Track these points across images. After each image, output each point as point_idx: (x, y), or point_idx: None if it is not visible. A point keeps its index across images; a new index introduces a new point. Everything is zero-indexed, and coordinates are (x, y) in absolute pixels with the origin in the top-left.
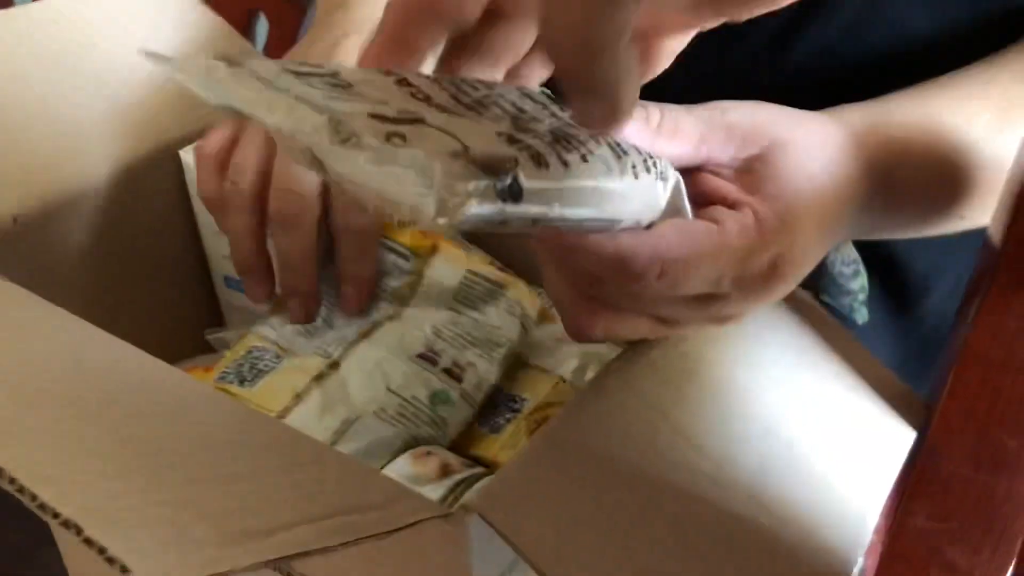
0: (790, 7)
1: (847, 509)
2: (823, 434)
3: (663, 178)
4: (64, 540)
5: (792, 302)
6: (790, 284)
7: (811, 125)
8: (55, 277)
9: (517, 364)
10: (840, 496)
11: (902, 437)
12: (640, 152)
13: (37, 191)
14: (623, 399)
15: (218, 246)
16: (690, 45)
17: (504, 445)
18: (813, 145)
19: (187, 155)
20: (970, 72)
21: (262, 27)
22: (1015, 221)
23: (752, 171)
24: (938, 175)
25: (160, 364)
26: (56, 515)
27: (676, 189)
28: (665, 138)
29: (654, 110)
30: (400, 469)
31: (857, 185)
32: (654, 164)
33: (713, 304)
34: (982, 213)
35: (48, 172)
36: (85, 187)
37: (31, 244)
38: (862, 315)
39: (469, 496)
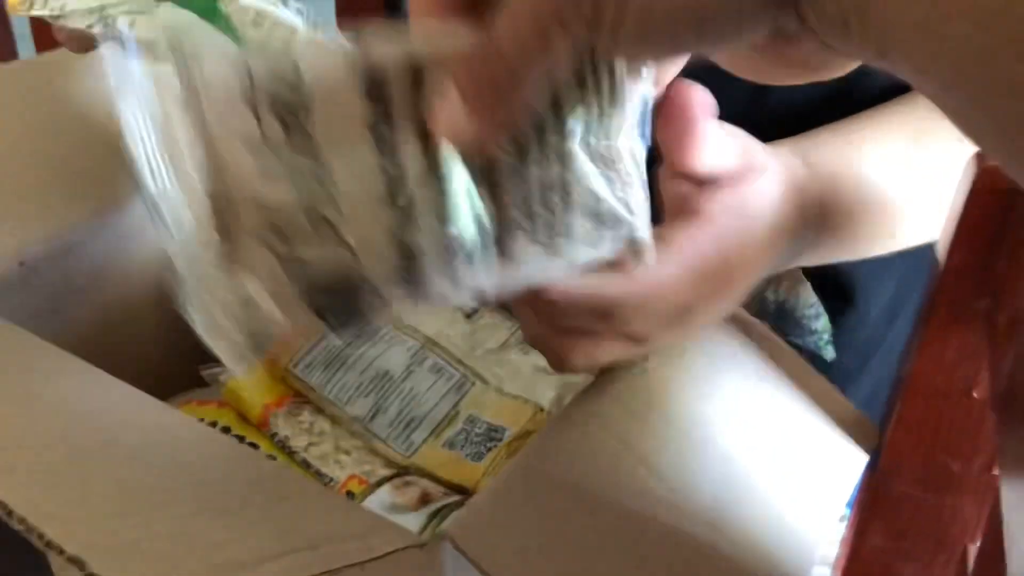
0: None
1: (798, 535)
2: (778, 462)
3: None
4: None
5: (756, 338)
6: (740, 286)
7: (772, 162)
8: (58, 316)
9: (495, 393)
10: (791, 522)
11: (855, 461)
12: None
13: (41, 236)
14: (590, 430)
15: None
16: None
17: (485, 473)
18: (772, 178)
19: None
20: (893, 103)
21: None
22: (951, 258)
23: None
24: (860, 211)
25: (155, 403)
26: (62, 551)
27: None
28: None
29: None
30: (381, 499)
31: (791, 221)
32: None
33: (680, 314)
34: (901, 239)
35: (51, 217)
36: (85, 231)
37: (35, 286)
38: (829, 352)
39: (444, 525)
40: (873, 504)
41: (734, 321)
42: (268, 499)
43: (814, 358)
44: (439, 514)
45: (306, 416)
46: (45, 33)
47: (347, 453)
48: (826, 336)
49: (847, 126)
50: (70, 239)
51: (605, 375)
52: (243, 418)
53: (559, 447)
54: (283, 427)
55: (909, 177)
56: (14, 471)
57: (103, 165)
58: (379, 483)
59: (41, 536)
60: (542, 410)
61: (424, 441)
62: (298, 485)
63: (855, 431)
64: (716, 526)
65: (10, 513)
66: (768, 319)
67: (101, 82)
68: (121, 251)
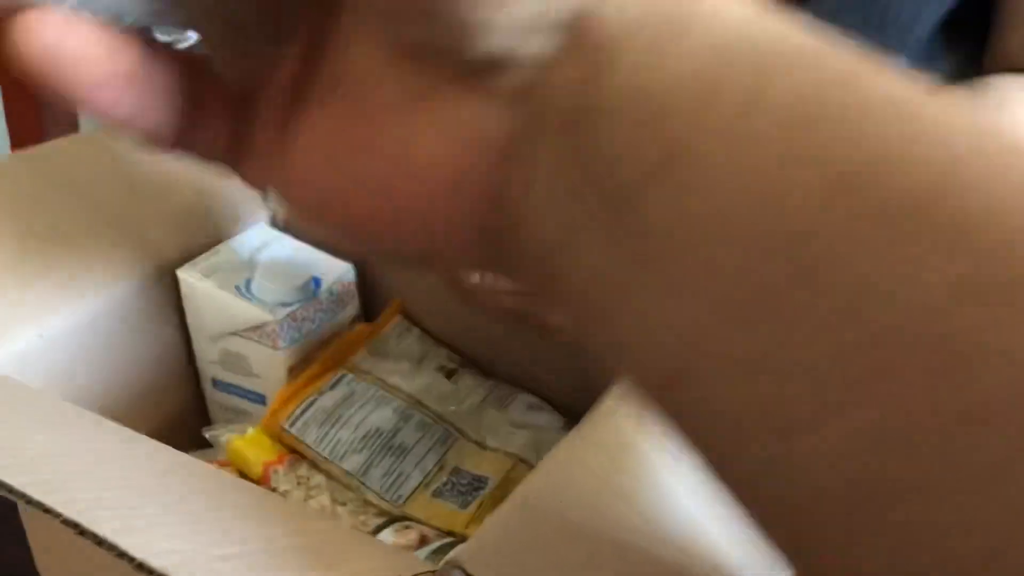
0: None
1: (757, 559)
2: None
3: None
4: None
5: None
6: None
7: None
8: (72, 383)
9: (477, 447)
10: (753, 544)
11: None
12: None
13: (58, 309)
14: (573, 471)
15: (207, 352)
16: None
17: (471, 519)
18: None
19: (184, 274)
20: None
21: None
22: None
23: None
24: None
25: (184, 456)
26: (151, 572)
27: None
28: None
29: None
30: (385, 539)
31: None
32: None
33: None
34: None
35: (65, 293)
36: (97, 305)
37: (53, 355)
38: None
39: (452, 554)
40: None
41: None
42: (298, 533)
43: None
44: (436, 553)
45: (304, 471)
46: (20, 124)
47: (343, 504)
48: None
49: None
50: (83, 313)
51: (581, 426)
52: (244, 476)
53: (548, 486)
54: (283, 482)
55: None
56: (96, 506)
57: (112, 244)
58: (374, 532)
59: (132, 559)
60: (521, 460)
61: (414, 491)
62: (321, 522)
63: None
64: (687, 550)
65: (101, 542)
66: None
67: (104, 167)
68: (130, 324)
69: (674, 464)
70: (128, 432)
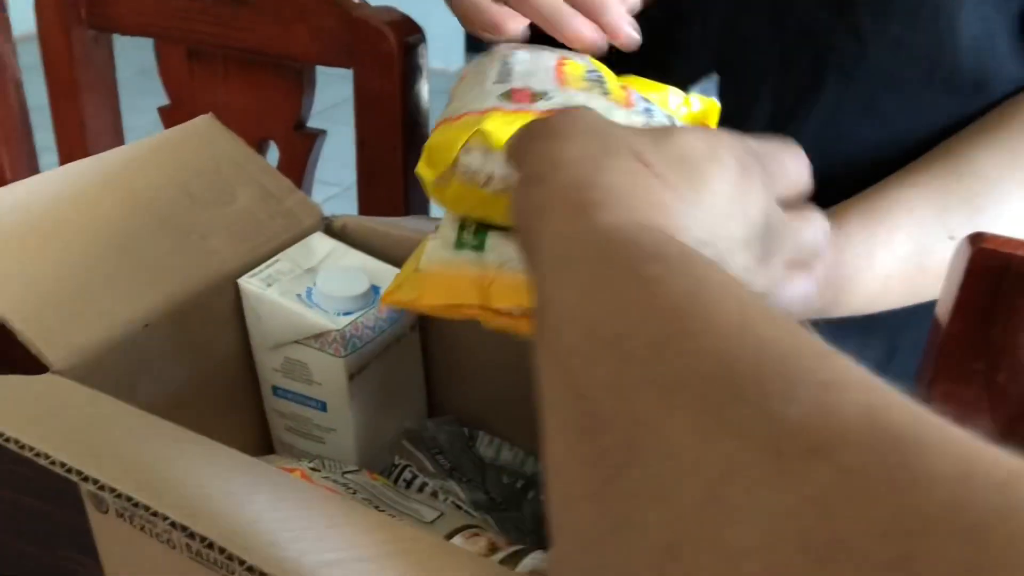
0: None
1: None
2: None
3: None
4: None
5: None
6: None
7: None
8: (132, 390)
9: None
10: None
11: None
12: None
13: (118, 318)
14: None
15: (268, 360)
16: None
17: None
18: None
19: (246, 283)
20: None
21: (272, 155)
22: (951, 326)
23: None
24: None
25: (265, 464)
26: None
27: None
28: None
29: None
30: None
31: None
32: None
33: None
34: None
35: (126, 301)
36: (157, 314)
37: (113, 362)
38: None
39: (535, 563)
40: None
41: None
42: (390, 541)
43: None
44: (505, 562)
45: None
46: (70, 144)
47: None
48: None
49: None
50: (144, 321)
51: None
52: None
53: None
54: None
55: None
56: (192, 512)
57: (172, 252)
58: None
59: (243, 562)
60: None
61: None
62: (409, 530)
63: None
64: None
65: (210, 545)
66: None
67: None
68: (192, 334)
69: None
70: (209, 444)
